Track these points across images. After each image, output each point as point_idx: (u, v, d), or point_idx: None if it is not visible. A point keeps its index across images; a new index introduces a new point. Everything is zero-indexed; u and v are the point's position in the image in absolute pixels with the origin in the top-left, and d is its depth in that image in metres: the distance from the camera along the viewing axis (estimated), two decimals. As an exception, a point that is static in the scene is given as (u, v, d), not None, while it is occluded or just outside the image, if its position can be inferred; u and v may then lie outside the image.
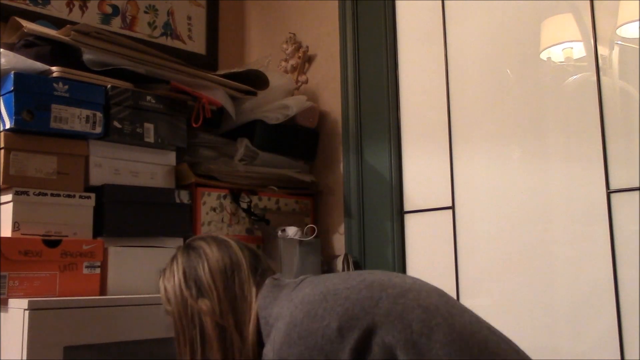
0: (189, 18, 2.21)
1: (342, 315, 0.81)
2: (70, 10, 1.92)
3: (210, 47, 2.24)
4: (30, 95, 1.35)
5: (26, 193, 1.33)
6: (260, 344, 0.95)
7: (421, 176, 1.70)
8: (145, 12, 2.10)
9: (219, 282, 0.99)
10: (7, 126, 1.34)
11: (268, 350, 0.87)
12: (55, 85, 1.38)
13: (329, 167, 1.94)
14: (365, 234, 1.79)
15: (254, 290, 0.99)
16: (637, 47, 1.32)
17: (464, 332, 0.80)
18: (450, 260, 1.60)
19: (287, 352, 0.82)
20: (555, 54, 1.47)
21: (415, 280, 0.92)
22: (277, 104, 1.84)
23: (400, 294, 0.84)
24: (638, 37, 1.32)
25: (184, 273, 1.02)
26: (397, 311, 0.81)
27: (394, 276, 0.91)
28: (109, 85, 1.48)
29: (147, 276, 1.48)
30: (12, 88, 1.33)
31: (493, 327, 0.85)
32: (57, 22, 1.77)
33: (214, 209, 1.66)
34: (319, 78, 2.02)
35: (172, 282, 1.03)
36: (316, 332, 0.81)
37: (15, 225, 1.31)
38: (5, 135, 1.33)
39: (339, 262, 1.78)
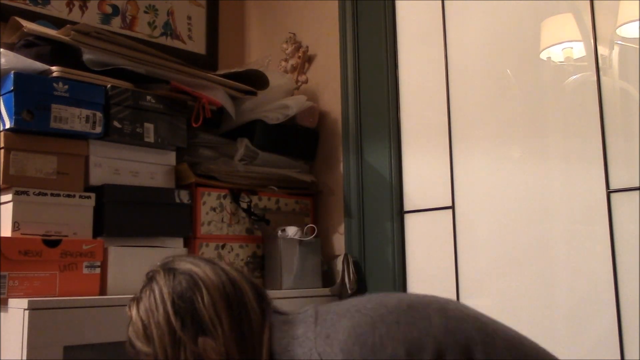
0: (189, 18, 2.21)
1: (404, 341, 0.75)
2: (70, 10, 1.91)
3: (210, 47, 2.24)
4: (30, 95, 1.35)
5: (26, 193, 1.33)
6: None
7: (421, 176, 1.70)
8: (145, 12, 2.10)
9: (224, 315, 0.82)
10: (7, 126, 1.34)
11: None
12: (55, 85, 1.38)
13: (329, 167, 1.94)
14: (365, 234, 1.79)
15: (261, 321, 0.84)
16: (637, 47, 1.32)
17: (515, 337, 0.81)
18: (450, 260, 1.60)
19: None
20: (555, 53, 1.47)
21: (435, 296, 0.88)
22: (277, 104, 1.84)
23: (443, 307, 0.81)
24: (638, 37, 1.32)
25: (173, 302, 0.83)
26: (452, 325, 0.78)
27: (413, 294, 0.87)
28: (109, 85, 1.48)
29: (147, 276, 1.48)
30: (12, 88, 1.33)
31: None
32: (57, 22, 1.77)
33: (214, 209, 1.66)
34: (319, 78, 2.02)
35: (154, 314, 0.83)
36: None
37: (15, 225, 1.31)
38: (5, 135, 1.33)
39: (339, 262, 1.78)
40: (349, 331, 0.77)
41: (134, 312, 0.86)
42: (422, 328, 0.76)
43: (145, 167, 1.55)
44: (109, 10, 2.01)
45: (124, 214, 1.46)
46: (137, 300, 0.87)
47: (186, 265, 0.87)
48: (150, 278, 0.88)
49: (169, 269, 0.88)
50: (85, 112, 1.42)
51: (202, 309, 0.82)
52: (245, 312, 0.83)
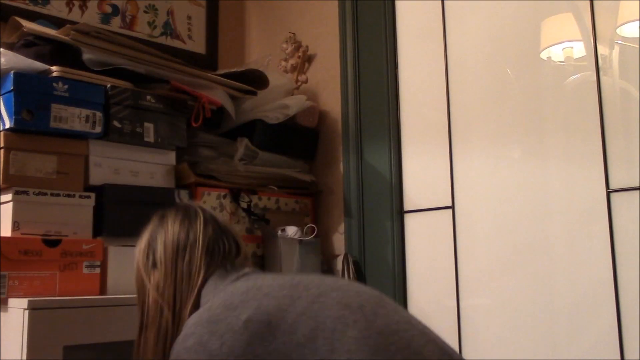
0: (189, 18, 2.21)
1: (255, 310, 0.81)
2: (70, 10, 1.91)
3: (210, 46, 2.24)
4: (30, 94, 1.35)
5: (26, 193, 1.33)
6: None
7: (421, 176, 1.70)
8: (145, 12, 2.10)
9: (169, 257, 1.00)
10: (7, 126, 1.34)
11: (184, 329, 0.87)
12: (55, 84, 1.38)
13: (329, 167, 1.94)
14: (365, 233, 1.79)
15: (202, 272, 0.98)
16: (637, 46, 1.32)
17: (385, 330, 0.79)
18: (450, 260, 1.60)
19: (193, 332, 0.82)
20: (556, 53, 1.47)
21: (353, 285, 0.90)
22: (276, 104, 1.84)
23: (323, 293, 0.83)
24: (638, 36, 1.32)
25: (148, 241, 1.04)
26: (313, 310, 0.80)
27: (330, 279, 0.89)
28: (108, 85, 1.48)
29: (147, 276, 1.48)
30: (12, 88, 1.33)
31: (430, 332, 0.84)
32: (56, 22, 1.77)
33: (214, 209, 1.66)
34: (318, 78, 2.02)
35: (138, 247, 1.06)
36: (224, 320, 0.81)
37: (15, 225, 1.31)
38: (5, 135, 1.33)
39: (339, 262, 1.78)
40: (231, 290, 0.89)
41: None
42: (282, 305, 0.81)
43: (145, 166, 1.55)
44: (108, 10, 2.01)
45: (124, 214, 1.46)
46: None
47: (169, 212, 1.07)
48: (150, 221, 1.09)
49: (160, 214, 1.09)
50: (85, 111, 1.42)
51: (157, 247, 1.02)
52: (189, 259, 0.99)
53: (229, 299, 0.85)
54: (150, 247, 1.03)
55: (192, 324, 0.84)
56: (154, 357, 0.97)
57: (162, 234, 1.03)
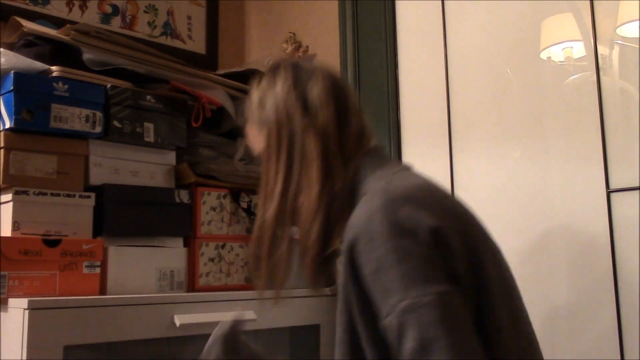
0: (189, 18, 2.21)
1: (439, 215, 0.82)
2: (70, 10, 1.92)
3: (210, 46, 2.24)
4: (30, 94, 1.35)
5: (26, 193, 1.33)
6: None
7: (421, 176, 1.70)
8: (145, 12, 2.10)
9: (331, 101, 0.93)
10: (7, 126, 1.34)
11: (372, 207, 0.82)
12: (55, 84, 1.38)
13: (329, 167, 1.94)
14: (365, 233, 1.78)
15: (360, 125, 0.97)
16: (637, 46, 1.32)
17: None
18: (450, 260, 1.59)
19: (404, 203, 0.81)
20: (555, 53, 1.47)
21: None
22: (277, 104, 1.84)
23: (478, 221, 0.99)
24: (638, 36, 1.32)
25: (294, 84, 0.94)
26: (485, 234, 0.95)
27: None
28: (108, 85, 1.48)
29: (147, 276, 1.48)
30: (12, 88, 1.33)
31: None
32: (56, 22, 1.77)
33: (214, 209, 1.66)
34: (319, 78, 2.02)
35: (274, 91, 0.94)
36: (429, 197, 0.84)
37: (15, 225, 1.31)
38: (5, 135, 1.33)
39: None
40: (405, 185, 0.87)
41: (254, 91, 0.97)
42: (458, 214, 0.88)
43: (145, 166, 1.55)
44: (108, 10, 2.01)
45: (124, 214, 1.46)
46: (257, 82, 0.98)
47: (308, 64, 0.99)
48: (274, 69, 0.97)
49: (292, 64, 0.98)
50: (85, 111, 1.42)
51: (312, 91, 0.93)
52: (348, 108, 0.96)
53: (421, 185, 0.87)
54: (298, 91, 0.93)
55: (380, 221, 0.80)
56: (319, 202, 0.91)
57: (312, 80, 0.94)
